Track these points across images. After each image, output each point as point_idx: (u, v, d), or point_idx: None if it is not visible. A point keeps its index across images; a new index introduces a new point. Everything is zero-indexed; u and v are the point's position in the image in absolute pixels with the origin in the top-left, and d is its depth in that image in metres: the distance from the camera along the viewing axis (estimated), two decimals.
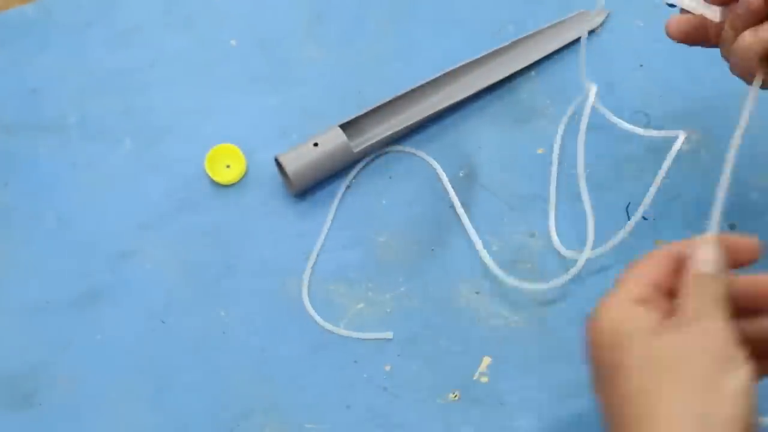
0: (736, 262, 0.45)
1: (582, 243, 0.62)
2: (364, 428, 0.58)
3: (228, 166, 0.66)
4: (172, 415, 0.59)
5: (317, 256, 0.64)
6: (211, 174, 0.66)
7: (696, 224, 0.62)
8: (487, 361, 0.60)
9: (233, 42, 0.71)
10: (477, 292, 0.62)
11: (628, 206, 0.64)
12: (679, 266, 0.44)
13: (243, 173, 0.66)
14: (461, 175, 0.66)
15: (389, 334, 0.61)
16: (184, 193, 0.66)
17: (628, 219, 0.63)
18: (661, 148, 0.66)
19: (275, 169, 0.66)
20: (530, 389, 0.59)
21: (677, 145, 0.56)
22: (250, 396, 0.60)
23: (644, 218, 0.64)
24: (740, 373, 0.39)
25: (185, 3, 0.72)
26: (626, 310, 0.42)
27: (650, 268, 0.44)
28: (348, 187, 0.66)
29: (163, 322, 0.62)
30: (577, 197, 0.62)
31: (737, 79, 0.52)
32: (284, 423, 0.59)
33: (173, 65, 0.70)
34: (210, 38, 0.71)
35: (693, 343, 0.40)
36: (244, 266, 0.64)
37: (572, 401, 0.59)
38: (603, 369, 0.42)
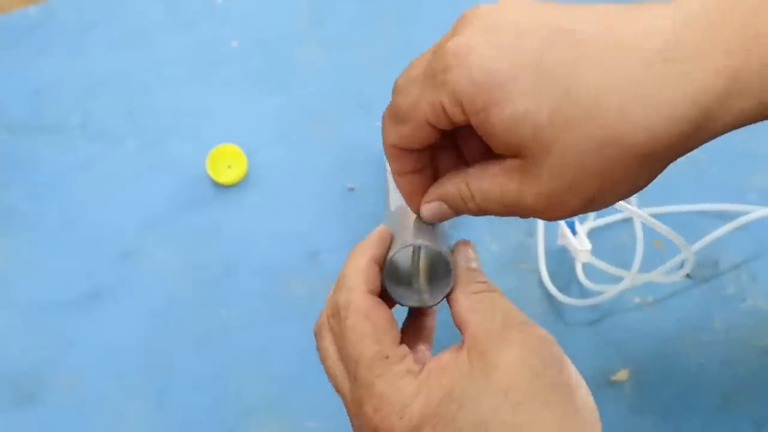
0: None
1: None
2: None
3: (229, 167, 0.67)
4: (174, 414, 0.60)
5: (318, 255, 0.64)
6: (212, 174, 0.66)
7: (691, 223, 0.63)
8: None
9: (234, 43, 0.72)
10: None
11: None
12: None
13: (244, 173, 0.67)
14: None
15: None
16: (185, 194, 0.66)
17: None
18: None
19: (276, 169, 0.67)
20: None
21: None
22: (251, 395, 0.60)
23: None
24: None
25: (187, 5, 0.73)
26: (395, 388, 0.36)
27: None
28: (351, 189, 0.66)
29: (164, 321, 0.63)
30: None
31: None
32: (285, 422, 0.59)
33: (175, 66, 0.71)
34: (211, 39, 0.72)
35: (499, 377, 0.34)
36: (245, 266, 0.64)
37: None
38: None
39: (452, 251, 0.41)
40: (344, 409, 0.39)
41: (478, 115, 0.34)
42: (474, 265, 0.40)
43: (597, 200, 0.35)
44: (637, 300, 0.62)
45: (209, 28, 0.72)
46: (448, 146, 0.41)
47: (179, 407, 0.60)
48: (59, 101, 0.70)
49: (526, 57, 0.33)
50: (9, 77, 0.70)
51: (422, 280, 0.41)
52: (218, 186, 0.67)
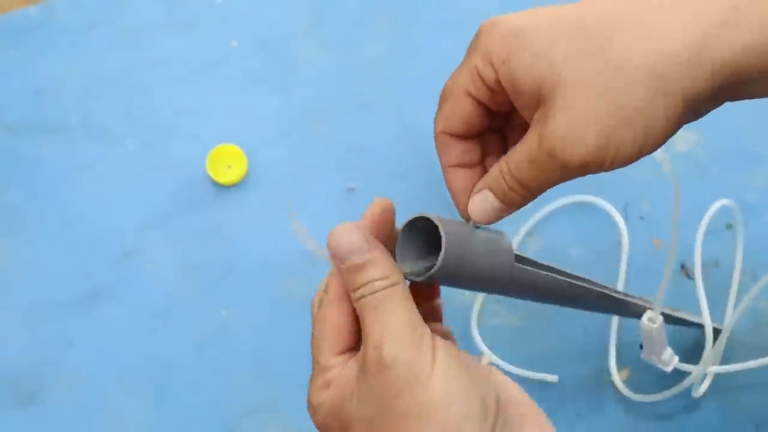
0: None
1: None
2: None
3: (229, 167, 0.67)
4: (173, 414, 0.60)
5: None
6: (212, 174, 0.66)
7: (693, 224, 0.63)
8: (485, 359, 0.60)
9: (234, 43, 0.72)
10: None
11: (625, 207, 0.64)
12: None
13: (244, 173, 0.67)
14: None
15: None
16: (185, 194, 0.66)
17: (625, 219, 0.63)
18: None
19: (276, 169, 0.67)
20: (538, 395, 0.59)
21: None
22: (250, 395, 0.60)
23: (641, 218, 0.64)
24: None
25: (187, 4, 0.73)
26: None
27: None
28: (351, 189, 0.66)
29: (164, 321, 0.63)
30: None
31: None
32: (285, 421, 0.59)
33: (175, 66, 0.71)
34: (211, 39, 0.72)
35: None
36: (246, 266, 0.64)
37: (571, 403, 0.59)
38: None
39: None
40: None
41: (503, 66, 0.37)
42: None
43: (614, 137, 0.35)
44: None
45: (209, 28, 0.72)
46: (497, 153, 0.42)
47: (179, 407, 0.60)
48: (59, 101, 0.70)
49: (544, 14, 0.37)
50: (9, 77, 0.70)
51: (415, 252, 0.40)
52: (218, 186, 0.67)
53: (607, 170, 0.37)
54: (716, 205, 0.59)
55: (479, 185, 0.40)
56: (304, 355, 0.61)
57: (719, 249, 0.63)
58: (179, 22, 0.72)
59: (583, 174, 0.37)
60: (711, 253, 0.63)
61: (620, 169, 0.66)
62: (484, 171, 0.42)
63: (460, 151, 0.41)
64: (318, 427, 0.38)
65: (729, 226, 0.64)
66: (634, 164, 0.67)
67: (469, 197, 0.41)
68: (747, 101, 0.46)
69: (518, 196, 0.39)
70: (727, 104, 0.56)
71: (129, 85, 0.70)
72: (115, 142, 0.68)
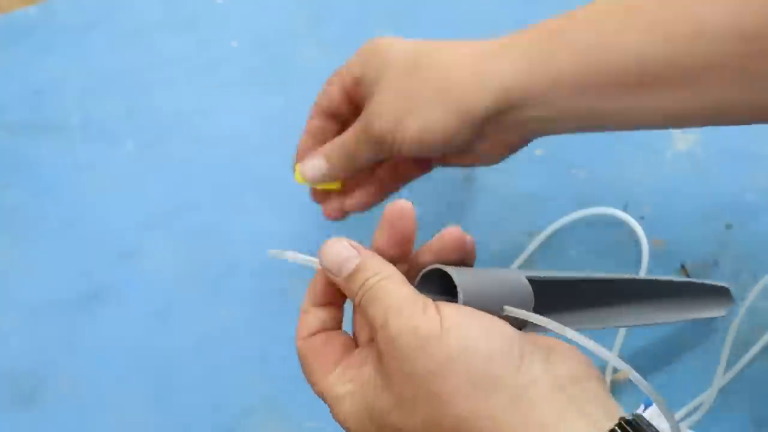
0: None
1: None
2: None
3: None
4: (173, 414, 0.60)
5: None
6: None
7: (693, 224, 0.63)
8: None
9: (234, 43, 0.72)
10: None
11: (625, 206, 0.64)
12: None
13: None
14: (461, 175, 0.66)
15: None
16: (185, 194, 0.66)
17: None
18: (659, 148, 0.66)
19: (276, 169, 0.67)
20: None
21: None
22: (250, 395, 0.60)
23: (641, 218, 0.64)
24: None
25: (187, 4, 0.73)
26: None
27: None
28: None
29: (164, 321, 0.63)
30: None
31: None
32: (284, 422, 0.59)
33: (175, 66, 0.71)
34: (211, 39, 0.72)
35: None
36: (246, 266, 0.64)
37: None
38: None
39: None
40: None
41: (359, 75, 0.52)
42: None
43: (403, 121, 0.49)
44: None
45: (209, 28, 0.72)
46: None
47: (179, 407, 0.60)
48: (59, 101, 0.70)
49: (399, 47, 0.52)
50: (9, 77, 0.70)
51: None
52: (218, 186, 0.67)
53: (400, 149, 0.49)
54: None
55: (316, 152, 0.54)
56: None
57: (719, 249, 0.63)
58: (179, 22, 0.72)
59: (383, 147, 0.50)
60: (711, 253, 0.63)
61: (620, 170, 0.67)
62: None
63: (318, 123, 0.55)
64: None
65: (729, 226, 0.64)
66: (634, 164, 0.67)
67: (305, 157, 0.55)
68: None
69: (339, 164, 0.53)
70: None
71: (129, 85, 0.70)
72: (115, 142, 0.68)
